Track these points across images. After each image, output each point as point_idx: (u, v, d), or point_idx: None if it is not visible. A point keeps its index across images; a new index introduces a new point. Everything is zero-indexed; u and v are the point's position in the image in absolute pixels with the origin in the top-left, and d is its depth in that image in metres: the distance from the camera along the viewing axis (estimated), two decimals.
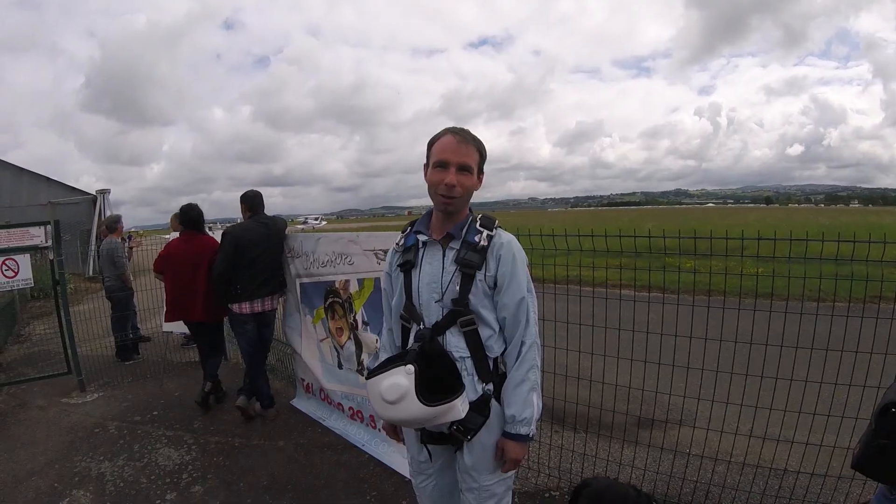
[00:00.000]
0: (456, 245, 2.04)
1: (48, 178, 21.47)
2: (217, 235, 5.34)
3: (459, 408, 1.88)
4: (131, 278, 7.66)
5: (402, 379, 1.86)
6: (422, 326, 2.08)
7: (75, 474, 4.21)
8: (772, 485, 3.24)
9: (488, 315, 2.03)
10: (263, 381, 5.14)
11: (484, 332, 2.03)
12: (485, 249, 2.00)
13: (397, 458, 3.85)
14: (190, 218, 5.33)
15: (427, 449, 2.17)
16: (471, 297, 2.00)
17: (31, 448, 4.73)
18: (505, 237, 2.06)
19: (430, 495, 2.29)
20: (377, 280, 3.87)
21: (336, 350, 4.54)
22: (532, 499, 3.60)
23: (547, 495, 3.62)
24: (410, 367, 1.86)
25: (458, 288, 2.00)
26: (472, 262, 1.98)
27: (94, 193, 20.88)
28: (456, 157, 1.99)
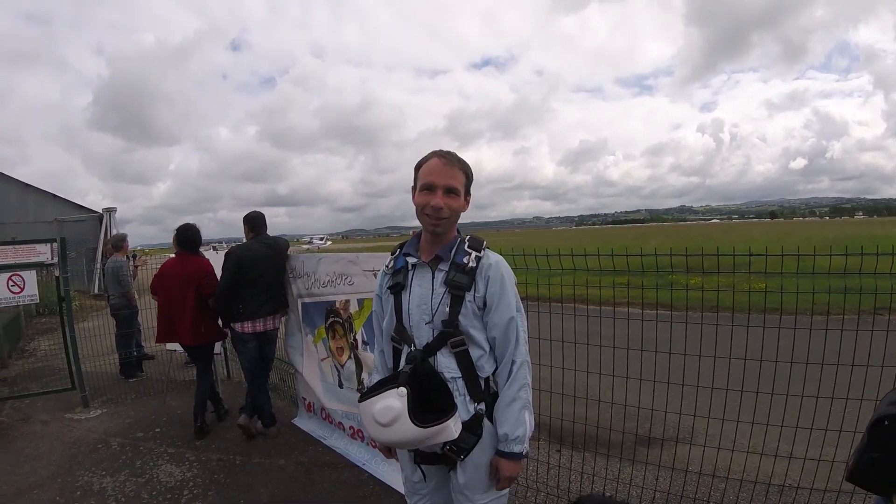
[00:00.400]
0: (445, 267, 2.06)
1: (54, 195, 21.66)
2: (221, 255, 5.36)
3: (452, 428, 1.89)
4: (136, 296, 7.72)
5: (394, 401, 1.88)
6: (412, 348, 2.10)
7: (77, 488, 4.25)
8: (772, 500, 3.25)
9: (478, 335, 2.04)
10: (265, 400, 5.17)
11: (475, 353, 2.04)
12: (473, 270, 2.02)
13: (397, 477, 3.87)
14: (185, 238, 5.33)
15: (421, 469, 2.18)
16: (461, 318, 2.01)
17: (33, 462, 4.78)
18: (493, 258, 2.08)
19: None
20: None
21: (337, 369, 4.58)
22: None
23: None
24: (403, 390, 1.88)
25: (447, 309, 2.01)
26: (461, 283, 2.00)
27: (101, 211, 21.05)
28: (442, 179, 2.03)
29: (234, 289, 4.81)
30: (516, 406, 2.01)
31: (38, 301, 6.54)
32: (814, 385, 2.79)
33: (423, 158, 2.11)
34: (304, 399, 5.31)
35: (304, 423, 5.29)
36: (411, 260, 2.14)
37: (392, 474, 3.98)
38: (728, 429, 3.13)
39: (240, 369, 5.74)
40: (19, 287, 5.97)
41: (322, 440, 4.87)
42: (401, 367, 2.11)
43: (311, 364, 4.99)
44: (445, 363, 2.04)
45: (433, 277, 2.07)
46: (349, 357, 4.42)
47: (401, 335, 2.14)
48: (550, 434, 4.32)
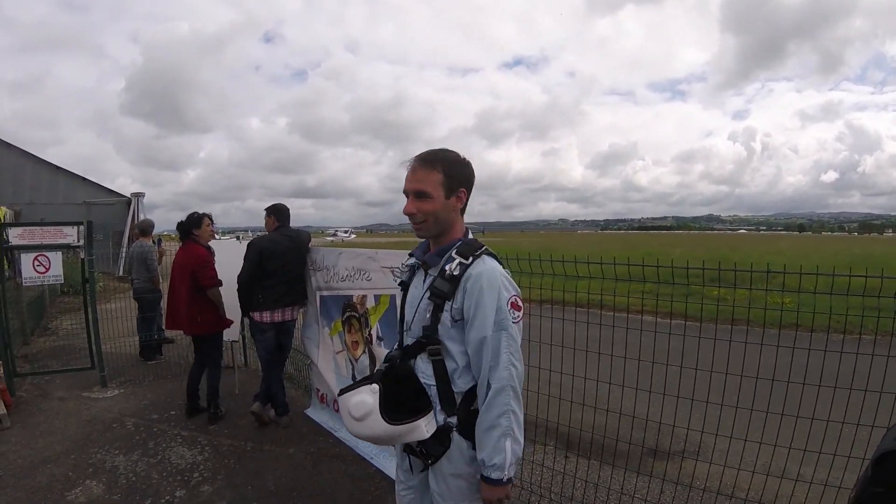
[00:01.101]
0: (434, 272, 2.03)
1: (84, 178, 21.99)
2: (244, 245, 5.39)
3: (424, 429, 1.91)
4: (161, 281, 7.83)
5: (367, 397, 1.92)
6: (396, 348, 2.14)
7: (90, 465, 4.34)
8: None
9: (454, 348, 1.99)
10: (279, 389, 5.23)
11: (449, 365, 2.00)
12: (456, 279, 1.95)
13: None
14: (179, 225, 5.38)
15: (409, 459, 2.17)
16: (440, 326, 1.98)
17: (49, 436, 4.89)
18: (479, 268, 1.96)
19: None
20: (393, 297, 3.94)
21: (351, 363, 4.61)
22: None
23: None
24: (375, 386, 1.92)
25: (428, 315, 1.99)
26: (441, 291, 1.96)
27: (129, 196, 21.35)
28: (410, 185, 2.00)
29: (255, 279, 4.87)
30: (494, 434, 1.90)
31: (63, 281, 6.67)
32: (825, 406, 2.75)
33: None
34: (318, 390, 5.35)
35: (316, 413, 5.34)
36: (410, 261, 2.16)
37: None
38: (737, 446, 3.08)
39: (256, 357, 5.79)
40: (45, 267, 6.09)
41: (333, 432, 4.91)
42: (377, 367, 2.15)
43: (327, 356, 5.03)
44: (423, 368, 2.03)
45: (424, 280, 2.07)
46: (364, 351, 4.45)
47: (399, 332, 2.17)
48: (558, 440, 4.33)
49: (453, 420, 2.00)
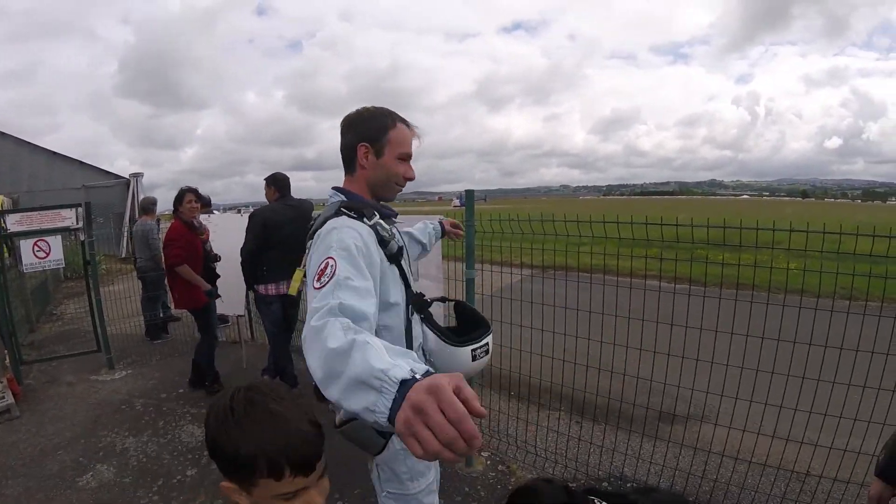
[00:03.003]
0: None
1: (81, 162, 21.92)
2: (246, 218, 5.31)
3: None
4: (163, 259, 7.78)
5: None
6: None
7: (100, 449, 4.30)
8: (792, 487, 3.12)
9: None
10: (287, 362, 5.20)
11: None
12: None
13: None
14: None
15: None
16: None
17: (58, 423, 4.84)
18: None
19: None
20: None
21: None
22: None
23: None
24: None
25: None
26: None
27: (128, 177, 21.24)
28: (412, 150, 1.94)
29: (259, 250, 4.78)
30: None
31: (65, 265, 6.59)
32: (845, 372, 2.67)
33: (387, 120, 1.88)
34: None
35: None
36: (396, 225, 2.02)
37: None
38: (755, 411, 3.01)
39: (263, 331, 5.76)
40: (45, 252, 5.99)
41: None
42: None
43: None
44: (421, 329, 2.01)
45: None
46: None
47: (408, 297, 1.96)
48: (563, 404, 4.32)
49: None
